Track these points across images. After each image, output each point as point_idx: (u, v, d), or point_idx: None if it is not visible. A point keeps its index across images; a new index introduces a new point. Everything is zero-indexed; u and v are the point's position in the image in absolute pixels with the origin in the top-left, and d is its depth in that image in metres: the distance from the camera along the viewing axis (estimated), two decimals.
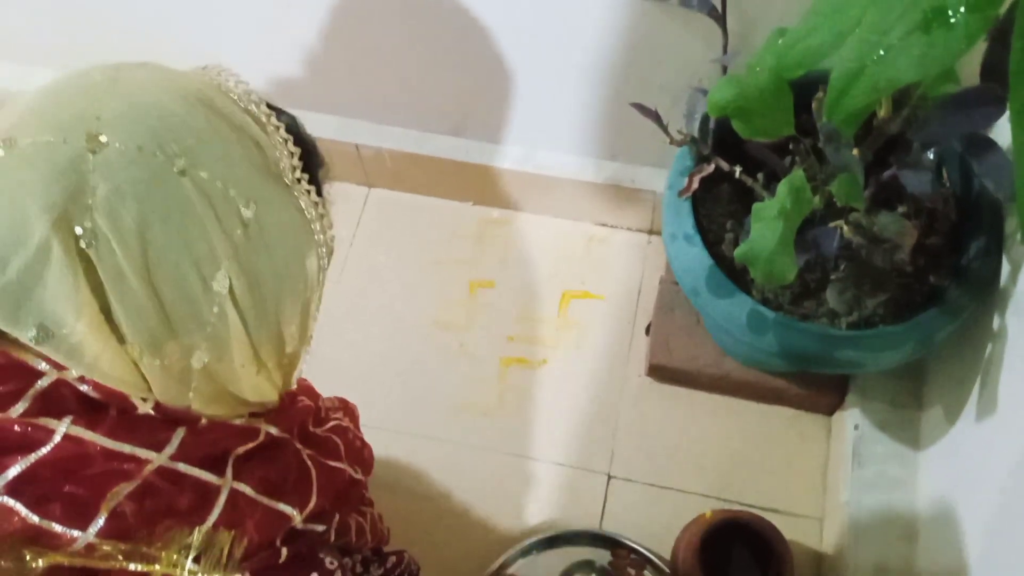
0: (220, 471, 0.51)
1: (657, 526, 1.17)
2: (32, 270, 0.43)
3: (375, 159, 1.38)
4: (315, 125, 1.34)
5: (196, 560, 0.48)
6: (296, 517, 0.55)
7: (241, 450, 0.53)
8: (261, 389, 0.55)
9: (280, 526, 0.54)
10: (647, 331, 1.30)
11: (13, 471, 0.44)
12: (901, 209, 0.90)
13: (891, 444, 1.09)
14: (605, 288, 1.37)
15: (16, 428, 0.45)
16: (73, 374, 0.46)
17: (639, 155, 1.28)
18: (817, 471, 1.21)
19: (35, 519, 0.44)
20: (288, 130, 0.54)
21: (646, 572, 1.15)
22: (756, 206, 0.74)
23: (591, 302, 1.36)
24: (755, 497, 1.19)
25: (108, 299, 0.45)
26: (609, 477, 1.23)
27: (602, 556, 1.16)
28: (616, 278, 1.37)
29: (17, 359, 0.46)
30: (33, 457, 0.45)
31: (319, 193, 0.56)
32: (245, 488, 0.52)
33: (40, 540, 0.45)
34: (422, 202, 1.45)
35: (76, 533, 0.45)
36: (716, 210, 0.99)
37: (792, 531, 1.08)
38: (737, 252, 0.75)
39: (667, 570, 1.13)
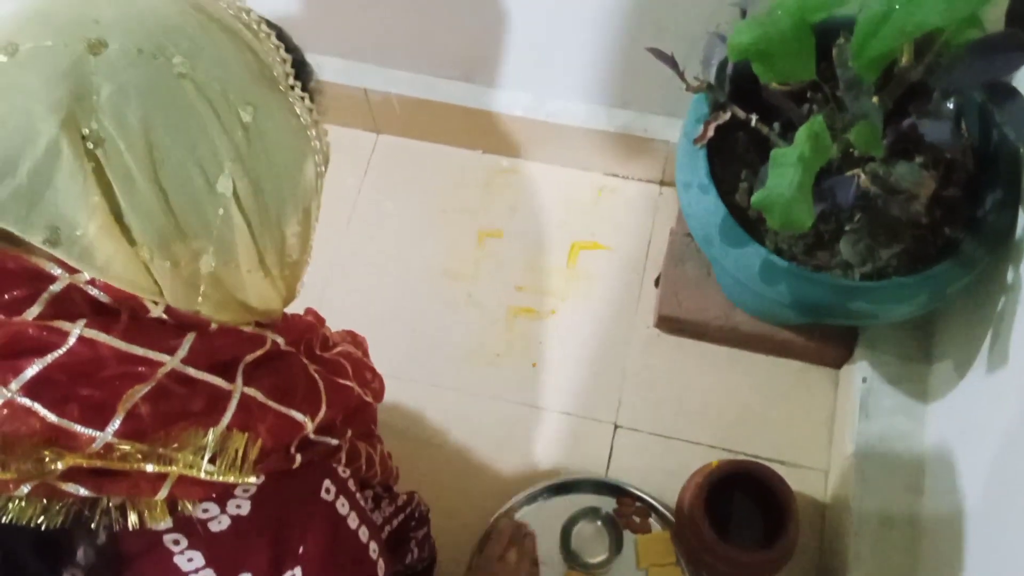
0: (230, 377, 0.51)
1: (662, 475, 1.18)
2: (42, 172, 0.43)
3: (384, 104, 1.36)
4: (323, 69, 1.33)
5: (212, 461, 0.48)
6: (308, 424, 0.56)
7: (250, 358, 0.54)
8: (266, 297, 0.56)
9: (292, 432, 0.54)
10: (656, 283, 1.29)
11: (30, 372, 0.44)
12: (919, 160, 0.88)
13: (899, 397, 1.09)
14: (615, 239, 1.36)
15: (31, 331, 0.45)
16: (84, 278, 0.46)
17: (652, 104, 1.26)
18: (824, 424, 1.21)
19: (54, 419, 0.44)
20: (279, 37, 0.55)
21: (651, 520, 1.16)
22: (774, 152, 0.73)
23: (600, 253, 1.35)
24: (761, 449, 1.20)
25: (118, 200, 0.45)
26: (616, 427, 1.23)
27: (607, 503, 1.17)
28: (626, 229, 1.36)
29: (30, 264, 0.45)
30: (49, 358, 0.44)
31: (312, 101, 0.56)
32: (256, 393, 0.52)
33: (59, 441, 0.45)
34: (431, 149, 1.44)
35: (94, 433, 0.45)
36: (731, 160, 0.98)
37: (797, 482, 1.09)
38: (754, 198, 0.74)
39: (672, 518, 1.14)
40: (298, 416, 0.55)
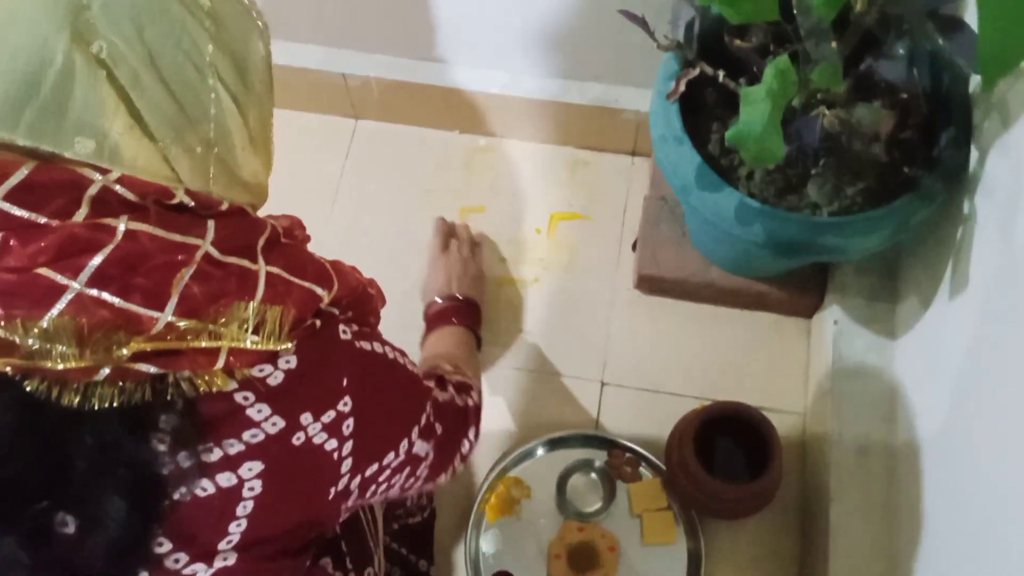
0: (252, 259, 0.57)
1: (650, 427, 1.24)
2: (63, 86, 0.48)
3: (362, 89, 1.41)
4: (302, 56, 1.38)
5: (255, 332, 0.54)
6: (325, 296, 0.61)
7: (261, 241, 0.59)
8: (256, 172, 0.62)
9: (314, 303, 0.60)
10: (634, 247, 1.35)
11: (95, 262, 0.49)
12: (876, 103, 0.95)
13: (869, 336, 1.15)
14: (591, 209, 1.41)
15: (83, 231, 0.49)
16: (114, 177, 0.50)
17: (622, 75, 1.32)
18: (799, 370, 1.27)
19: (122, 303, 0.49)
20: None
21: (641, 469, 1.21)
22: (744, 90, 0.78)
23: (579, 222, 1.40)
24: (741, 397, 1.23)
25: (132, 101, 0.51)
26: (603, 384, 1.29)
27: (599, 456, 1.22)
28: (602, 199, 1.42)
29: (65, 173, 0.49)
30: (108, 249, 0.49)
31: None
32: (279, 271, 0.58)
33: (126, 326, 0.50)
34: (409, 132, 1.48)
35: (156, 314, 0.50)
36: (701, 115, 1.03)
37: (777, 426, 1.14)
38: (728, 134, 0.80)
39: (661, 466, 1.19)
40: (317, 289, 0.60)
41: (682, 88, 0.98)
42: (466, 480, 1.22)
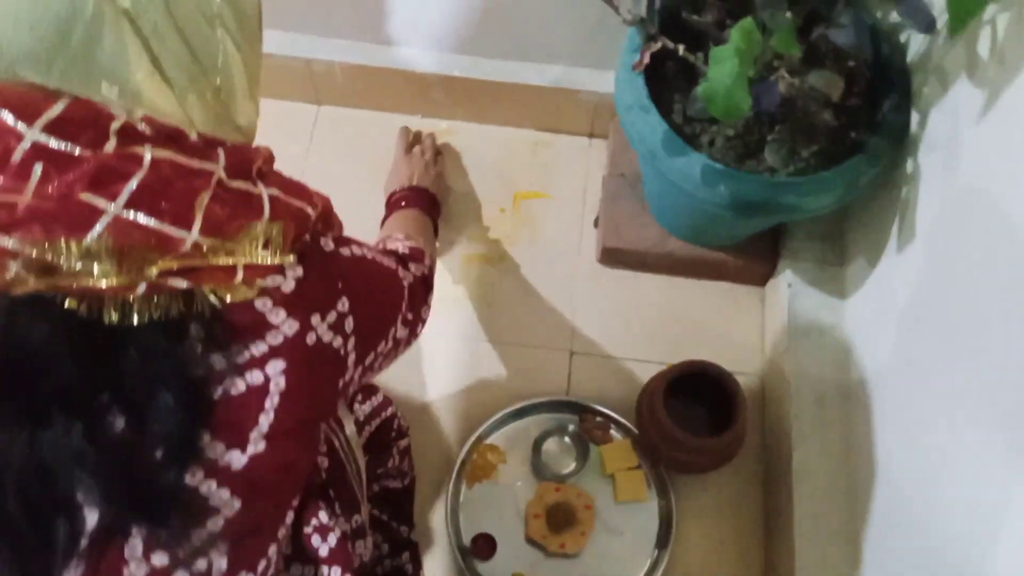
0: (253, 183, 0.62)
1: (617, 391, 1.29)
2: (91, 36, 0.52)
3: (326, 74, 1.43)
4: (264, 41, 1.40)
5: (265, 247, 0.60)
6: (313, 214, 0.66)
7: (255, 168, 0.64)
8: (251, 117, 0.66)
9: (306, 221, 0.66)
10: (595, 223, 1.40)
11: (130, 186, 0.53)
12: (826, 71, 1.02)
13: (821, 296, 1.23)
14: (553, 188, 1.46)
15: (114, 161, 0.53)
16: (137, 115, 0.54)
17: (579, 56, 1.37)
18: (754, 334, 1.34)
19: (155, 224, 0.54)
20: None
21: (612, 431, 1.26)
22: (713, 50, 0.84)
23: (542, 201, 1.45)
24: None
25: (153, 50, 0.55)
26: (571, 353, 1.34)
27: (571, 421, 1.27)
28: (562, 179, 1.47)
29: (95, 105, 0.53)
30: (140, 175, 0.53)
31: None
32: (276, 192, 0.63)
33: (158, 246, 0.54)
34: (372, 117, 1.51)
35: (184, 234, 0.55)
36: (663, 87, 1.10)
37: None
38: (699, 89, 0.86)
39: (631, 427, 1.25)
40: (307, 208, 0.66)
41: (647, 59, 1.03)
42: (444, 448, 1.26)
